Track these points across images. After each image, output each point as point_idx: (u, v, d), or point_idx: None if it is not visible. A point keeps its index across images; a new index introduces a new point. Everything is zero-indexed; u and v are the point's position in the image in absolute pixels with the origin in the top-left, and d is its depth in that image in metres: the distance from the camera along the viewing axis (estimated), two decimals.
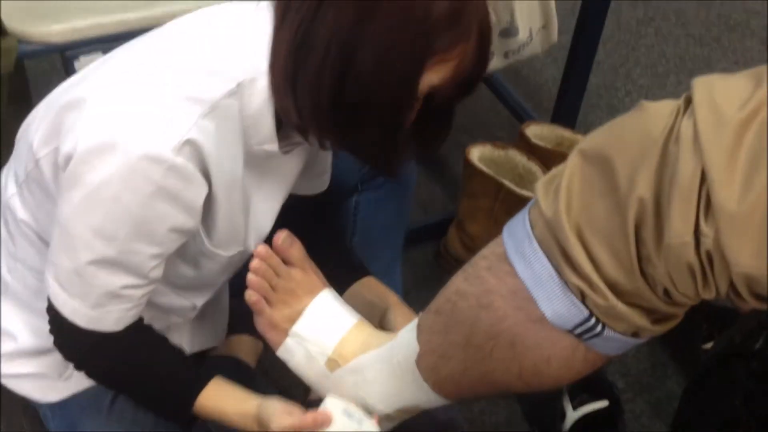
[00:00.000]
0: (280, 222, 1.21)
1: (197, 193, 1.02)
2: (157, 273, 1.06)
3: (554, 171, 0.78)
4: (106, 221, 0.99)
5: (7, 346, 1.25)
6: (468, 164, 1.75)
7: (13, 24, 1.38)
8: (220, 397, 1.13)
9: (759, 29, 2.72)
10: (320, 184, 1.35)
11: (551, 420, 1.52)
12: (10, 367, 1.27)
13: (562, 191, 0.74)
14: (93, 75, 1.06)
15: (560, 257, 0.75)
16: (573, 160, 0.75)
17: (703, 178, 0.66)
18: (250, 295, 1.13)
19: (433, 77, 1.00)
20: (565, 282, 0.75)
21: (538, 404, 1.57)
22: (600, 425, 1.51)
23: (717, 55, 2.61)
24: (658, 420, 1.61)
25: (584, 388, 1.54)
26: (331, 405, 1.07)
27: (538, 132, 1.86)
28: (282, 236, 1.15)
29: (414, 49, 0.97)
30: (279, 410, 1.07)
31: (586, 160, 0.74)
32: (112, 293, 1.04)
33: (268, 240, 1.17)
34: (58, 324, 1.09)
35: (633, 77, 2.47)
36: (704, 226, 0.66)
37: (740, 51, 2.63)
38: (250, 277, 1.13)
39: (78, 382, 1.24)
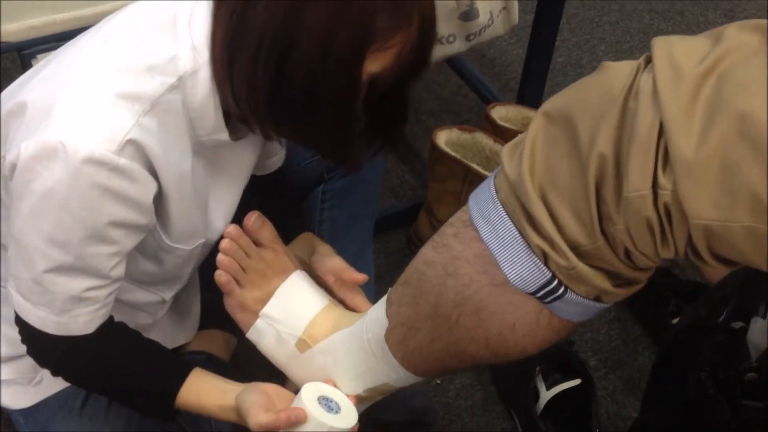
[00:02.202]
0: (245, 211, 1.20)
1: (146, 191, 1.00)
2: (119, 271, 1.05)
3: (520, 137, 0.78)
4: (57, 229, 0.98)
5: None
6: (435, 148, 1.74)
7: None
8: (200, 390, 1.12)
9: (722, 1, 2.73)
10: (272, 164, 1.32)
11: (525, 401, 1.53)
12: None
13: (525, 153, 0.74)
14: (33, 79, 1.04)
15: (523, 219, 0.75)
16: (536, 122, 0.75)
17: (661, 131, 0.66)
18: (220, 276, 1.12)
19: (373, 66, 0.97)
20: (528, 244, 0.75)
21: (512, 385, 1.58)
22: (574, 403, 1.52)
23: (681, 28, 2.61)
24: (632, 395, 1.63)
25: (557, 367, 1.55)
26: (306, 396, 1.06)
27: (503, 114, 1.86)
28: (253, 217, 1.14)
29: (354, 35, 0.94)
30: (256, 405, 1.06)
31: (549, 121, 0.74)
32: (76, 297, 1.03)
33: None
34: (28, 334, 1.08)
35: (598, 54, 2.48)
36: (662, 178, 0.66)
37: (704, 24, 2.64)
38: (220, 257, 1.12)
39: (48, 386, 1.24)
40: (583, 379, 1.52)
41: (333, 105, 0.98)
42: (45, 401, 1.25)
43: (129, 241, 1.04)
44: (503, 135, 1.79)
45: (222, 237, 1.15)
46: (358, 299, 1.20)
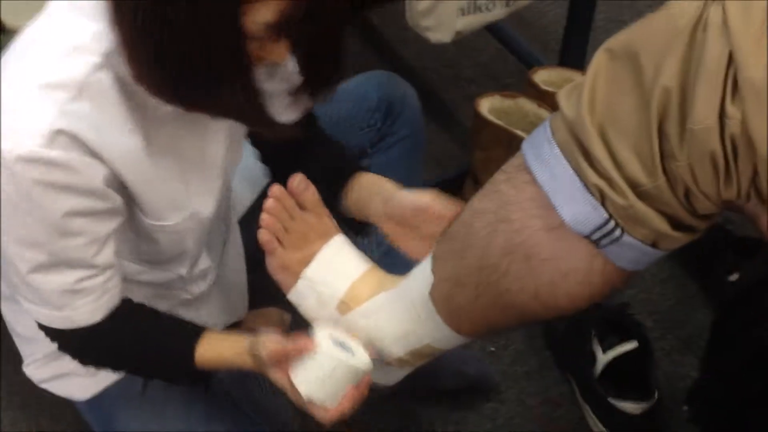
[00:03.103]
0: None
1: (90, 177, 0.97)
2: (104, 258, 1.04)
3: (577, 80, 0.75)
4: (21, 231, 0.98)
5: (36, 353, 1.28)
6: (478, 116, 1.73)
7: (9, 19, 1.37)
8: (215, 344, 1.13)
9: None
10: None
11: (582, 365, 1.52)
12: (44, 372, 1.30)
13: (585, 91, 0.72)
14: None
15: (580, 157, 0.72)
16: (598, 59, 0.73)
17: (731, 61, 0.64)
18: (263, 234, 1.11)
19: (262, 14, 0.91)
20: (585, 184, 0.73)
21: (568, 350, 1.57)
22: (632, 365, 1.51)
23: None
24: (690, 355, 1.61)
25: (613, 330, 1.54)
26: (319, 331, 1.07)
27: (546, 77, 1.84)
28: (297, 179, 1.13)
29: None
30: (268, 338, 1.07)
31: (612, 57, 0.72)
32: (69, 291, 1.04)
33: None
34: (47, 333, 1.11)
35: (640, 8, 2.42)
36: (730, 107, 0.64)
37: None
38: (264, 216, 1.11)
39: (107, 375, 1.26)
40: (640, 340, 1.51)
41: (222, 65, 0.93)
42: (106, 390, 1.28)
43: (98, 227, 1.02)
44: (547, 99, 1.76)
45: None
46: None
